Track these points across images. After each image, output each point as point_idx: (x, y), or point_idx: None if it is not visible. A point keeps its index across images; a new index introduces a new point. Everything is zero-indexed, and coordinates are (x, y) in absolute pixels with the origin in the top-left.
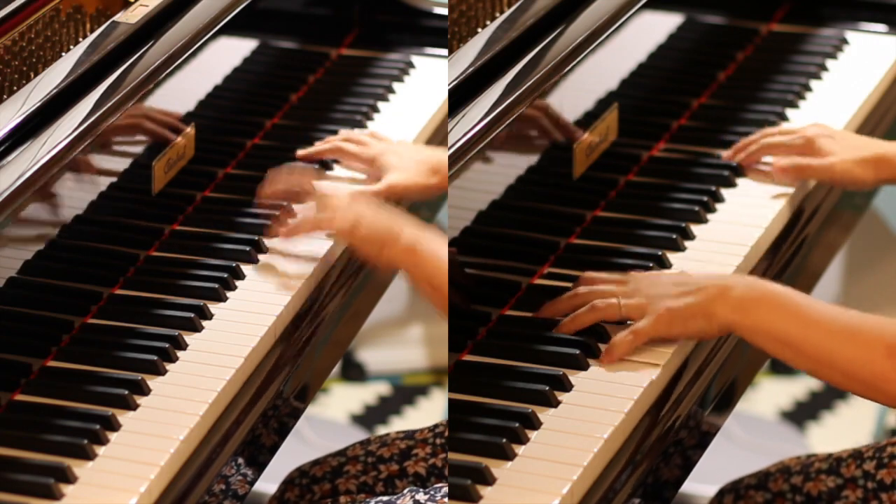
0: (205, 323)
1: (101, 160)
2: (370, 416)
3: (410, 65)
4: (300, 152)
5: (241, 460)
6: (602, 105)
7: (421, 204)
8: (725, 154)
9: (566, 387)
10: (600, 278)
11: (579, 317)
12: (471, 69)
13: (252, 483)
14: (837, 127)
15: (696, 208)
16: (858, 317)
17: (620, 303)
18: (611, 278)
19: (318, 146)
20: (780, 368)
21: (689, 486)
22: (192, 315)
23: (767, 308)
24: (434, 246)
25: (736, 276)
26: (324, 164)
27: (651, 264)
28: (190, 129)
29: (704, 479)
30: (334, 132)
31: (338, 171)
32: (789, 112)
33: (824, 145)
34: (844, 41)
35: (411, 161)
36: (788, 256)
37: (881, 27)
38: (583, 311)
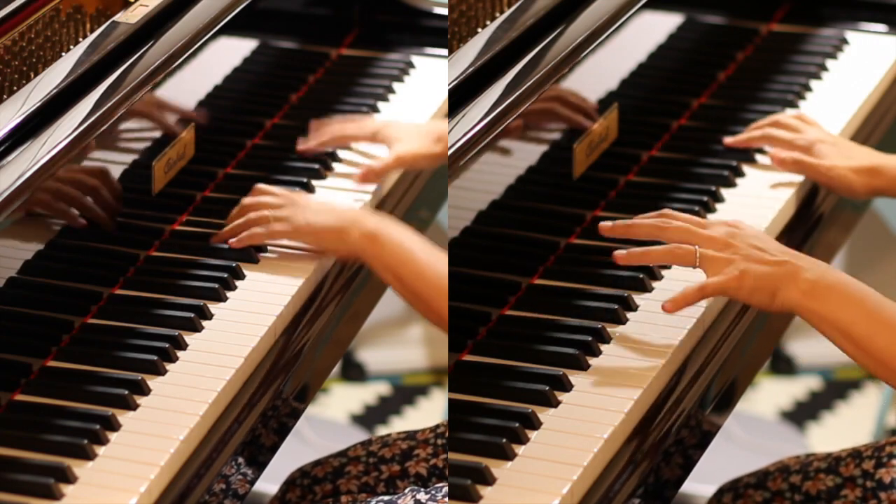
0: (205, 323)
1: (101, 160)
2: (370, 416)
3: (410, 65)
4: (300, 146)
5: (241, 460)
6: (602, 105)
7: (421, 204)
8: (728, 140)
9: (566, 387)
10: (682, 216)
11: (652, 253)
12: (471, 69)
13: (252, 483)
14: (838, 127)
15: (696, 208)
16: None
17: (697, 252)
18: (693, 219)
19: (319, 139)
20: (781, 368)
21: (689, 486)
22: (192, 315)
23: (837, 298)
24: (398, 233)
25: (810, 259)
26: (323, 165)
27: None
28: (190, 129)
29: (704, 479)
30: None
31: (338, 168)
32: (789, 112)
33: (823, 151)
34: (844, 41)
35: (415, 131)
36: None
37: (881, 27)
38: (660, 249)
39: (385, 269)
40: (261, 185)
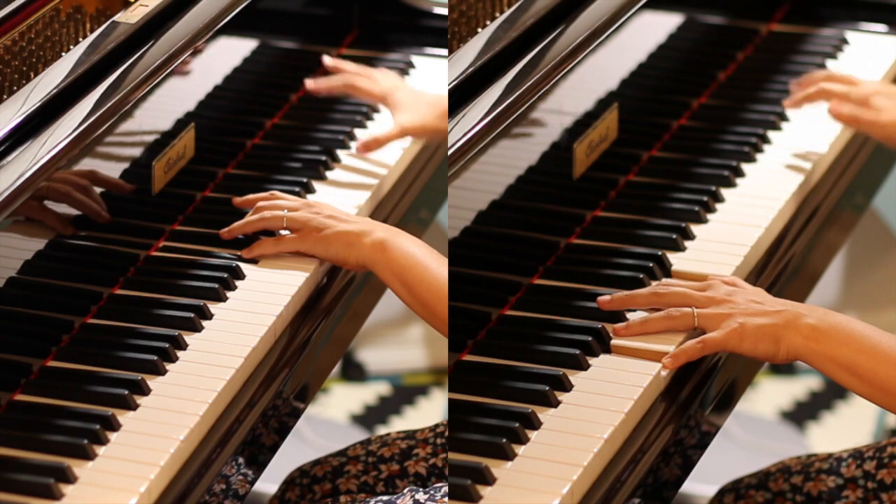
0: (205, 323)
1: (101, 160)
2: (370, 416)
3: (410, 65)
4: (309, 84)
5: (241, 460)
6: (602, 105)
7: (421, 204)
8: (787, 101)
9: (566, 387)
10: (679, 282)
11: (651, 322)
12: (471, 69)
13: (252, 483)
14: (837, 127)
15: (696, 208)
16: None
17: (695, 313)
18: (689, 284)
19: (329, 82)
20: (780, 368)
21: (690, 486)
22: (192, 315)
23: (839, 337)
24: (406, 242)
25: (808, 305)
26: (323, 165)
27: (651, 264)
28: (190, 129)
29: (704, 479)
30: (335, 132)
31: (338, 168)
32: (789, 112)
33: (880, 104)
34: (844, 41)
35: (423, 102)
36: (788, 257)
37: (881, 27)
38: (657, 316)
39: (393, 277)
40: (277, 193)
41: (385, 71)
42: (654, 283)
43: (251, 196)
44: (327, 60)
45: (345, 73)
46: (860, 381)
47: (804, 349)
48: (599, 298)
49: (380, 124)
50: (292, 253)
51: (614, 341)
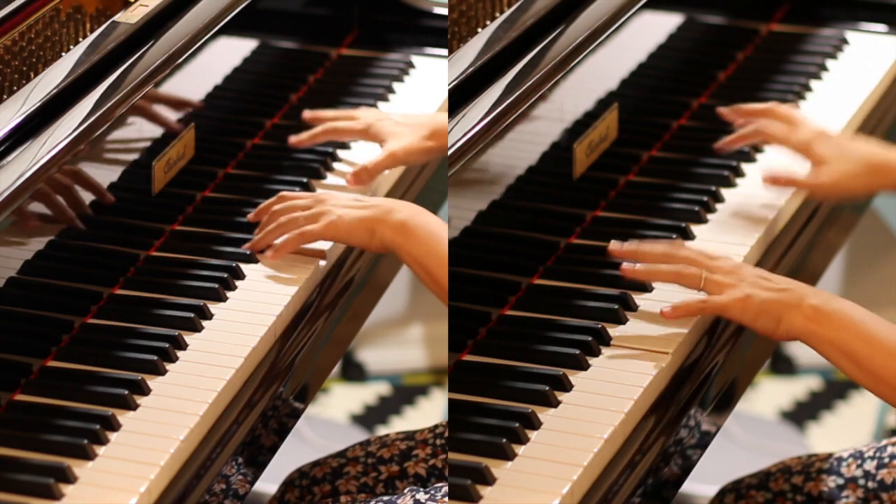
0: (205, 323)
1: (101, 160)
2: (370, 416)
3: (410, 65)
4: (292, 139)
5: (241, 460)
6: (602, 105)
7: (421, 204)
8: (720, 144)
9: (566, 387)
10: (692, 248)
11: (660, 272)
12: (471, 69)
13: (252, 483)
14: (838, 127)
15: (696, 208)
16: None
17: (703, 275)
18: (702, 251)
19: (311, 133)
20: (780, 368)
21: (690, 486)
22: (192, 315)
23: (839, 321)
24: (429, 224)
25: (814, 287)
26: (323, 165)
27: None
28: (190, 130)
29: (705, 479)
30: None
31: (330, 179)
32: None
33: (820, 148)
34: (844, 41)
35: (407, 126)
36: (788, 256)
37: (881, 27)
38: (667, 267)
39: (414, 261)
40: (285, 193)
41: (363, 108)
42: (667, 242)
43: (262, 206)
44: (306, 114)
45: (325, 122)
46: (856, 367)
47: (803, 329)
48: (612, 243)
49: (366, 147)
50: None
51: (617, 334)
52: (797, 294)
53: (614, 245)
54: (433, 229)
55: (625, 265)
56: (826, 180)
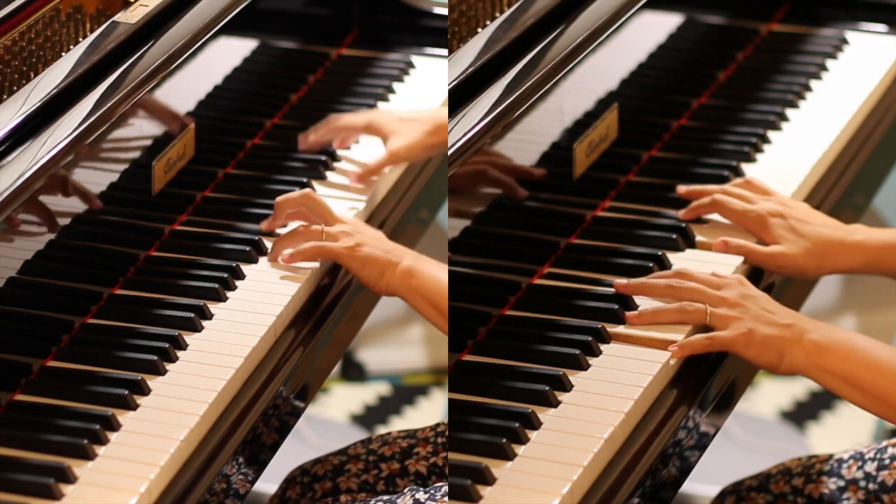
0: (205, 323)
1: (101, 161)
2: (370, 416)
3: (410, 65)
4: (301, 146)
5: (241, 459)
6: (602, 105)
7: (421, 204)
8: (681, 190)
9: (566, 387)
10: (698, 277)
11: (664, 313)
12: (471, 69)
13: (253, 482)
14: (837, 127)
15: None
16: None
17: (708, 310)
18: (708, 280)
19: (317, 132)
20: None
21: (690, 487)
22: (192, 315)
23: (840, 352)
24: (431, 269)
25: (814, 321)
26: (323, 165)
27: (651, 264)
28: (190, 130)
29: (705, 480)
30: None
31: (338, 168)
32: (789, 112)
33: (775, 227)
34: (844, 41)
35: (408, 123)
36: None
37: (881, 27)
38: (670, 308)
39: (422, 300)
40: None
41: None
42: (671, 273)
43: (289, 198)
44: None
45: (328, 121)
46: (862, 395)
47: (805, 364)
48: (616, 281)
49: (366, 146)
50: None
51: (619, 329)
52: (799, 329)
53: (619, 282)
54: (437, 270)
55: (629, 314)
56: (777, 253)
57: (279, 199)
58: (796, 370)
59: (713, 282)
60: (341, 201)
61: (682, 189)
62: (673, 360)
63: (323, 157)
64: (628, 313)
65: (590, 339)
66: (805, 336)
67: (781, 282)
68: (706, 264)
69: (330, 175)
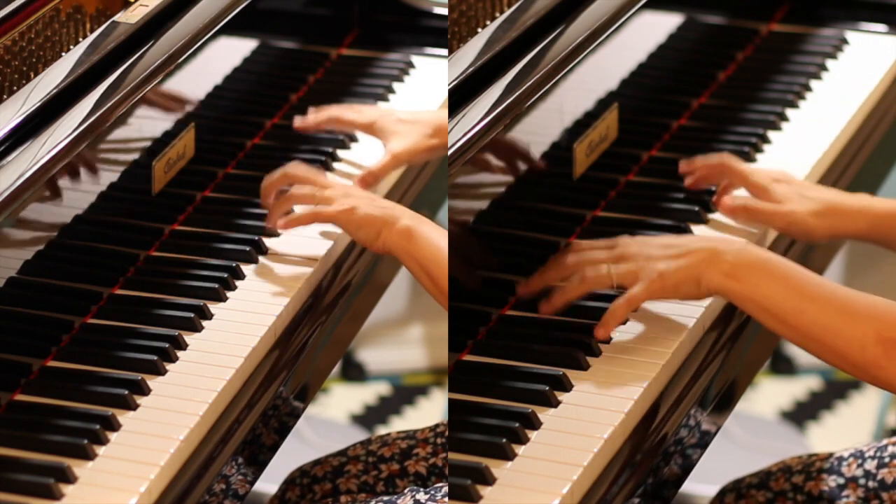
0: (205, 323)
1: (100, 160)
2: (370, 416)
3: (410, 65)
4: (297, 121)
5: (241, 460)
6: (602, 105)
7: (421, 204)
8: (683, 167)
9: (566, 387)
10: (587, 245)
11: (569, 290)
12: (471, 69)
13: (252, 482)
14: (837, 127)
15: (696, 208)
16: (854, 295)
17: (611, 271)
18: (598, 244)
19: (316, 117)
20: (780, 368)
21: (690, 486)
22: (192, 315)
23: (760, 276)
24: (432, 232)
25: (726, 238)
26: (323, 165)
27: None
28: (190, 130)
29: (705, 479)
30: (335, 132)
31: (338, 168)
32: (789, 112)
33: (779, 191)
34: (844, 41)
35: (410, 125)
36: (789, 256)
37: (881, 27)
38: (572, 282)
39: (417, 265)
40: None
41: (368, 105)
42: (560, 254)
43: (271, 180)
44: (308, 117)
45: (331, 109)
46: (783, 325)
47: (722, 287)
48: (519, 287)
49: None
50: (294, 256)
51: (617, 334)
52: (711, 251)
53: (521, 288)
54: (436, 236)
55: (542, 305)
56: (785, 210)
57: (263, 184)
58: (714, 291)
59: (603, 243)
60: None
61: (685, 165)
62: (673, 359)
63: (323, 158)
64: (542, 305)
65: (590, 339)
66: (720, 257)
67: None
68: None
69: (330, 175)
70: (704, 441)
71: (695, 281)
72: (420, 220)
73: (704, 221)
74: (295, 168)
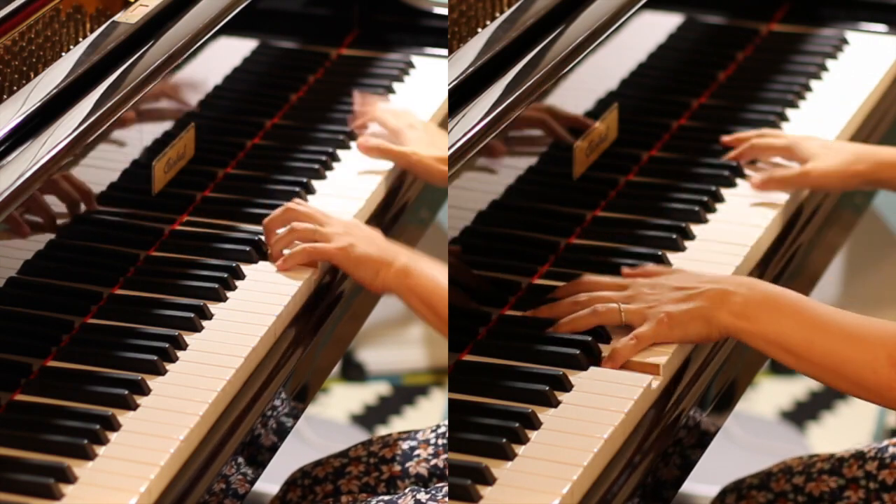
0: (205, 323)
1: (101, 160)
2: (370, 416)
3: (410, 65)
4: (351, 124)
5: (241, 460)
6: (602, 105)
7: (421, 204)
8: (726, 139)
9: (566, 387)
10: (600, 283)
11: (578, 319)
12: (471, 69)
13: (252, 482)
14: (838, 127)
15: (696, 208)
16: (861, 321)
17: (621, 308)
18: (611, 283)
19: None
20: (781, 368)
21: (690, 486)
22: (192, 315)
23: (769, 313)
24: (428, 268)
25: (736, 278)
26: (323, 165)
27: (651, 264)
28: (190, 129)
29: (705, 479)
30: (335, 132)
31: (338, 168)
32: (789, 112)
33: (805, 148)
34: (844, 41)
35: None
36: (788, 257)
37: (881, 27)
38: (583, 313)
39: (418, 300)
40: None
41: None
42: (572, 284)
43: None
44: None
45: (372, 108)
46: (796, 359)
47: (733, 328)
48: (527, 313)
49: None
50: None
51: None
52: (720, 292)
53: (545, 308)
54: (433, 270)
55: (557, 326)
56: (814, 169)
57: (265, 221)
58: (725, 333)
59: (616, 282)
60: (340, 201)
61: (727, 138)
62: (673, 359)
63: (323, 158)
64: (549, 329)
65: (590, 339)
66: (729, 297)
67: (784, 280)
68: (706, 264)
69: (330, 175)
70: (704, 441)
71: (705, 322)
72: (417, 257)
73: (704, 221)
74: (296, 205)
